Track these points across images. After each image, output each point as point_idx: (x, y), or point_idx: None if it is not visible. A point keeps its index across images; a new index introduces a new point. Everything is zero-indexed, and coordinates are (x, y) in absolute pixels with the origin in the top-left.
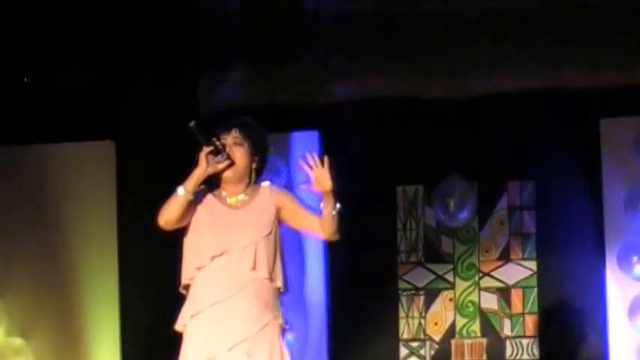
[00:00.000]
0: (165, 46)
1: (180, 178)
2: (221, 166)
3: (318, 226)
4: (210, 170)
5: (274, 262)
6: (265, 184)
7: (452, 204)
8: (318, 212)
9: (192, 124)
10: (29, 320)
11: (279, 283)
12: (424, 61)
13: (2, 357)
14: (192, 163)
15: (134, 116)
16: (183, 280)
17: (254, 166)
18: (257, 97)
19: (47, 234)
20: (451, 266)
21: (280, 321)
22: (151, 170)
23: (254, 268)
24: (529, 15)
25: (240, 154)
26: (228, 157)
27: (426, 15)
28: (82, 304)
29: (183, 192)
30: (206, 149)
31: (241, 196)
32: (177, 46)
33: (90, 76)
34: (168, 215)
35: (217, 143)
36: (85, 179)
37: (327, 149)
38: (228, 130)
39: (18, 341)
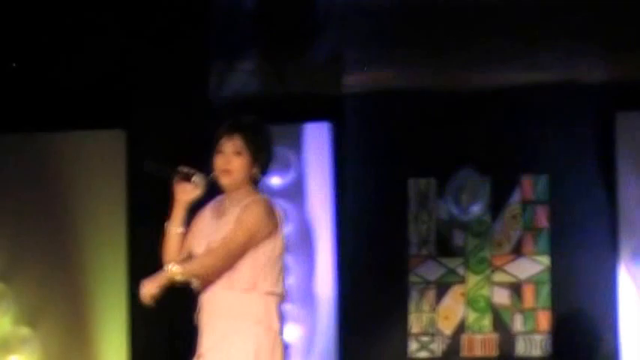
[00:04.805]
0: (176, 34)
1: (190, 167)
2: (202, 185)
3: None
4: (191, 196)
5: (267, 271)
6: (257, 196)
7: (464, 197)
8: None
9: (145, 165)
10: (37, 309)
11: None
12: (437, 53)
13: (10, 346)
14: (202, 153)
15: (145, 105)
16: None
17: (252, 174)
18: (268, 88)
19: (56, 223)
20: (462, 260)
21: (282, 335)
22: (162, 159)
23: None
24: (544, 7)
25: (238, 164)
26: (202, 173)
27: (438, 6)
28: (90, 293)
29: (170, 230)
30: (176, 182)
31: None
32: (188, 35)
33: (101, 64)
34: (168, 257)
35: (181, 171)
36: (96, 167)
37: (338, 141)
38: (230, 134)
39: (25, 330)
